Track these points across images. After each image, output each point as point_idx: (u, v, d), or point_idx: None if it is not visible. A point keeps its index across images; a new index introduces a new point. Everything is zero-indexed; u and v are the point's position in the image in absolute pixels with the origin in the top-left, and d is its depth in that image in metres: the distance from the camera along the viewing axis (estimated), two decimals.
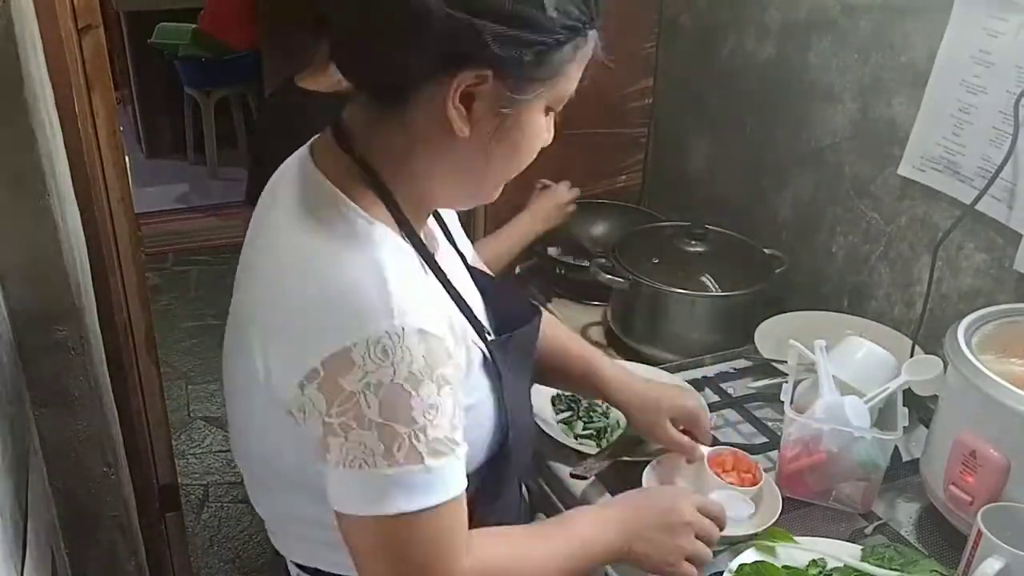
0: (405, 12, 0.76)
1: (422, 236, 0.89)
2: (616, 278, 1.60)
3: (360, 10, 0.80)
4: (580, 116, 2.12)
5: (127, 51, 4.73)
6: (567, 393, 1.39)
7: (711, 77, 1.94)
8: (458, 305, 0.92)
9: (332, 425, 0.78)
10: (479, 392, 0.92)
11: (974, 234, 1.40)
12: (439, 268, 0.90)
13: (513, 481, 1.06)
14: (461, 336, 0.89)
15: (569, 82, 0.86)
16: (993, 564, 0.95)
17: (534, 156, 0.89)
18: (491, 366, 0.94)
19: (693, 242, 1.67)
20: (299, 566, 0.99)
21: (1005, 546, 0.95)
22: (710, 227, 1.69)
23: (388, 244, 0.83)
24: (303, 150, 0.91)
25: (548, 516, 1.30)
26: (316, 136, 0.91)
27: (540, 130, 0.87)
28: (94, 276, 1.45)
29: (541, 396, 1.37)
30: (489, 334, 0.96)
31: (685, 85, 2.04)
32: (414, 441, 0.78)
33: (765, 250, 1.68)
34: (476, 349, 0.92)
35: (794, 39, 1.71)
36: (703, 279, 1.60)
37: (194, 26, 4.46)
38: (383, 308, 0.77)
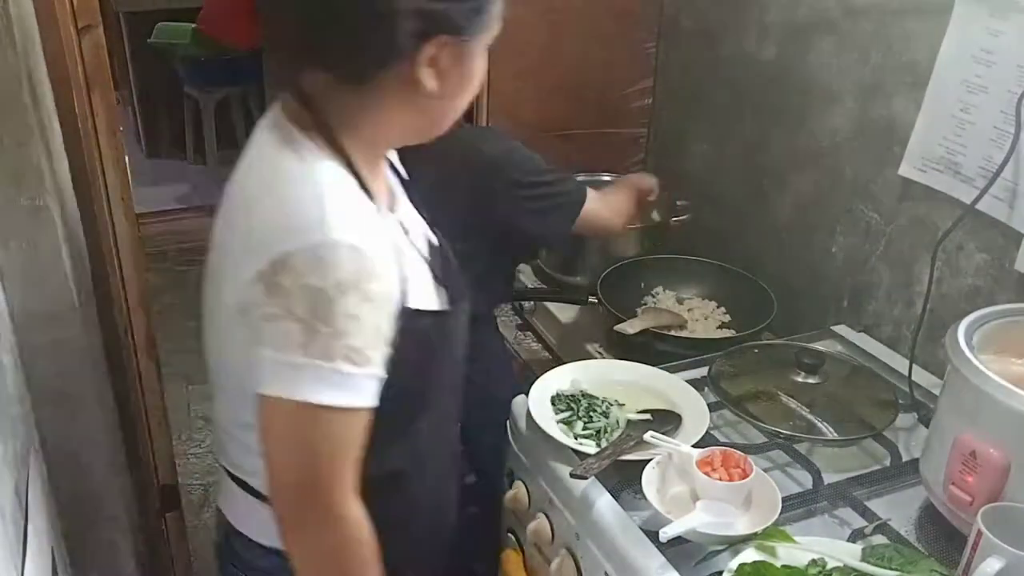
0: (375, 10, 0.88)
1: (374, 189, 1.00)
2: None
3: (331, 9, 0.90)
4: (580, 116, 2.13)
5: (127, 51, 4.73)
6: (567, 393, 1.39)
7: (711, 77, 1.94)
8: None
9: (268, 312, 0.89)
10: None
11: (974, 234, 1.40)
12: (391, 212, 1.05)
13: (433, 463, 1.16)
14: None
15: (499, 24, 1.00)
16: (993, 564, 0.95)
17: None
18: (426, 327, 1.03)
19: None
20: (235, 479, 1.09)
21: (1005, 546, 0.95)
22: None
23: (332, 172, 0.95)
24: (276, 106, 1.01)
25: (548, 517, 1.30)
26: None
27: (483, 68, 1.01)
28: (94, 276, 1.45)
29: (541, 396, 1.37)
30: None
31: (685, 85, 2.04)
32: (332, 341, 0.89)
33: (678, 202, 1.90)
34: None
35: (794, 39, 1.71)
36: None
37: (194, 26, 4.46)
38: (318, 222, 0.89)
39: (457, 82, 0.97)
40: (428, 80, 0.93)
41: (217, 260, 1.01)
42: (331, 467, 0.94)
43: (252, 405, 0.95)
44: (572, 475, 1.20)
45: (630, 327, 1.62)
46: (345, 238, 0.89)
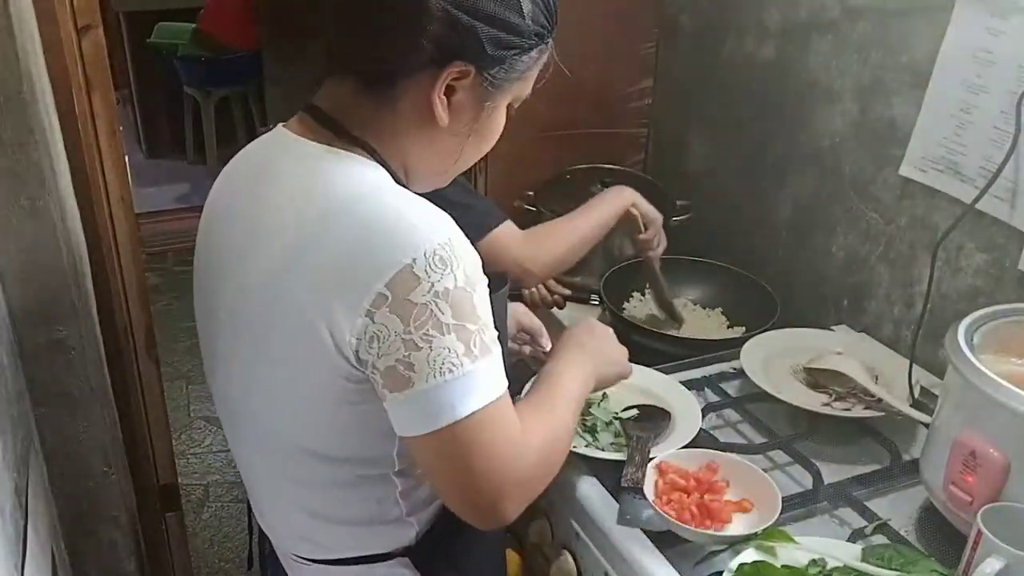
0: (408, 6, 0.86)
1: None
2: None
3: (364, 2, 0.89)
4: (580, 116, 2.13)
5: (126, 51, 4.73)
6: None
7: (711, 77, 1.94)
8: None
9: (413, 340, 0.83)
10: None
11: (974, 234, 1.40)
12: None
13: None
14: None
15: (529, 83, 0.99)
16: (993, 564, 0.95)
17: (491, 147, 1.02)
18: None
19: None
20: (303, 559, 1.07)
21: (1005, 546, 0.95)
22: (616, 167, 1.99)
23: (386, 177, 0.92)
24: (279, 130, 0.98)
25: (548, 517, 1.30)
26: (290, 120, 0.98)
27: (501, 124, 1.00)
28: (94, 276, 1.45)
29: None
30: None
31: (685, 85, 2.03)
32: (483, 335, 0.86)
33: (678, 202, 1.88)
34: None
35: (794, 39, 1.71)
36: None
37: (194, 26, 4.46)
38: (429, 223, 0.86)
39: (468, 124, 0.95)
40: (440, 109, 0.91)
41: (280, 312, 0.90)
42: (520, 442, 0.91)
43: (341, 474, 0.96)
44: (622, 486, 1.17)
45: (637, 311, 1.70)
46: (453, 232, 0.86)
